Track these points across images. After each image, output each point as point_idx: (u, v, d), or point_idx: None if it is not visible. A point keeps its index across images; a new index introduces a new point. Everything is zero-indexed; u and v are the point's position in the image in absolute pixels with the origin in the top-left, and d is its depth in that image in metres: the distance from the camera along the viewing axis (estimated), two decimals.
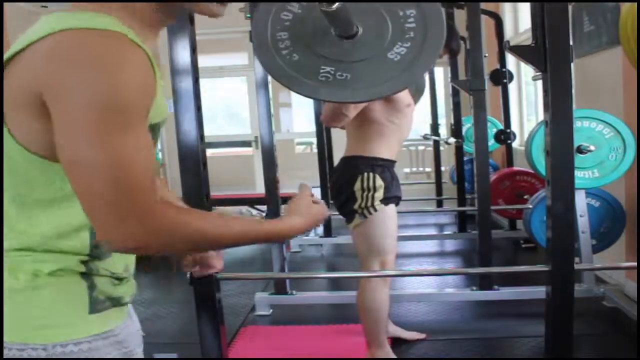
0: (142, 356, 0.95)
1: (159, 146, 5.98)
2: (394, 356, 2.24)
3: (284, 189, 3.34)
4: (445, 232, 4.84)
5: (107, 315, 0.87)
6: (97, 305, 0.86)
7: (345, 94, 1.18)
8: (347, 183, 2.09)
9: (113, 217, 0.72)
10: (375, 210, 2.07)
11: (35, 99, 0.73)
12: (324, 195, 4.22)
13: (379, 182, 2.07)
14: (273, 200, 3.12)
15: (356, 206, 2.07)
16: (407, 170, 6.32)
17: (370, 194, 2.06)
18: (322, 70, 1.16)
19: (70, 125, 0.71)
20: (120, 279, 0.91)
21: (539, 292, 2.01)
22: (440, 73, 5.79)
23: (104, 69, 0.72)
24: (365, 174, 2.07)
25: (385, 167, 2.11)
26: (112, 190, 0.72)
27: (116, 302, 0.90)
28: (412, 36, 1.14)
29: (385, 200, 2.09)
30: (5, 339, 0.80)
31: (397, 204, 2.17)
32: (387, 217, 2.11)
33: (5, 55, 0.77)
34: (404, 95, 2.09)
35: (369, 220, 2.08)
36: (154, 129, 0.85)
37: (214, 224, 0.84)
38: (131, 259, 0.96)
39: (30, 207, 0.81)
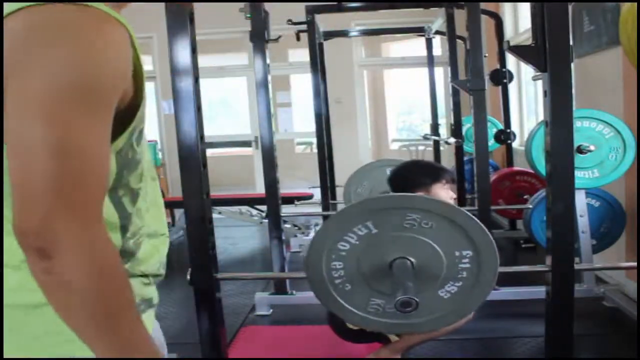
0: None
1: (158, 145, 5.96)
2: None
3: (283, 189, 3.33)
4: None
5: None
6: None
7: (392, 326, 1.20)
8: None
9: (44, 207, 0.57)
10: None
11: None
12: (324, 195, 4.22)
13: None
14: (273, 200, 3.11)
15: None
16: None
17: None
18: (371, 302, 1.17)
19: (24, 105, 0.57)
20: (155, 276, 0.82)
21: (539, 292, 2.01)
22: (440, 73, 5.77)
23: (75, 42, 0.60)
24: None
25: None
26: (56, 176, 0.57)
27: (149, 304, 0.81)
28: (465, 276, 1.14)
29: None
30: (22, 355, 0.69)
31: None
32: None
33: None
34: None
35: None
36: (141, 133, 0.74)
37: (124, 275, 0.66)
38: (164, 254, 0.86)
39: None
